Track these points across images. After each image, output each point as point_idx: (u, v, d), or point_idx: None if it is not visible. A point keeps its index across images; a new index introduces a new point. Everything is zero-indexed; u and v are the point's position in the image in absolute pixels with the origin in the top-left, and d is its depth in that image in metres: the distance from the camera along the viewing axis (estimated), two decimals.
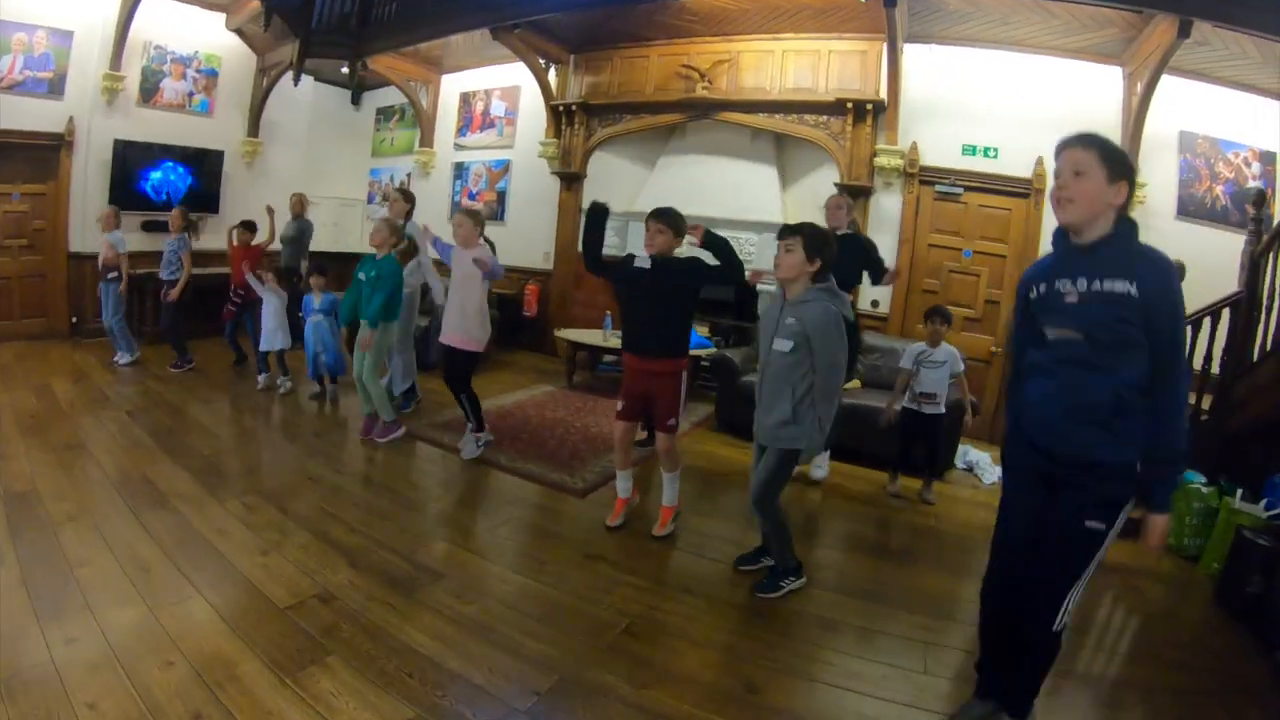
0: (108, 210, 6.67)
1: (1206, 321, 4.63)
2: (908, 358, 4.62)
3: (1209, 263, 5.18)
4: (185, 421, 5.24)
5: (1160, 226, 5.80)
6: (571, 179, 8.40)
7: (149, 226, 8.19)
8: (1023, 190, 6.46)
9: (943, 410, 4.70)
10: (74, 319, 7.78)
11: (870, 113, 6.79)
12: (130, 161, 8.05)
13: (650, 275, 3.59)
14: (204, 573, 3.01)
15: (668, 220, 3.56)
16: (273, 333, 6.16)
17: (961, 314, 6.52)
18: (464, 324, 4.67)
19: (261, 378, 6.30)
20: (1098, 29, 5.85)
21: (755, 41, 7.44)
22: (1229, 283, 4.68)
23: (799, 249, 2.95)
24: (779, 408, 3.04)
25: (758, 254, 7.56)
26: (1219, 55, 5.64)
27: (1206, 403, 4.51)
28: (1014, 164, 6.41)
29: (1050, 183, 2.36)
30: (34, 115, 7.37)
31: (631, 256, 3.75)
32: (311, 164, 9.79)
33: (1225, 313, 4.55)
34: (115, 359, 6.73)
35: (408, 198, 5.84)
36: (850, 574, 3.71)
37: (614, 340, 7.04)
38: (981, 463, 5.72)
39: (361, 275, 5.04)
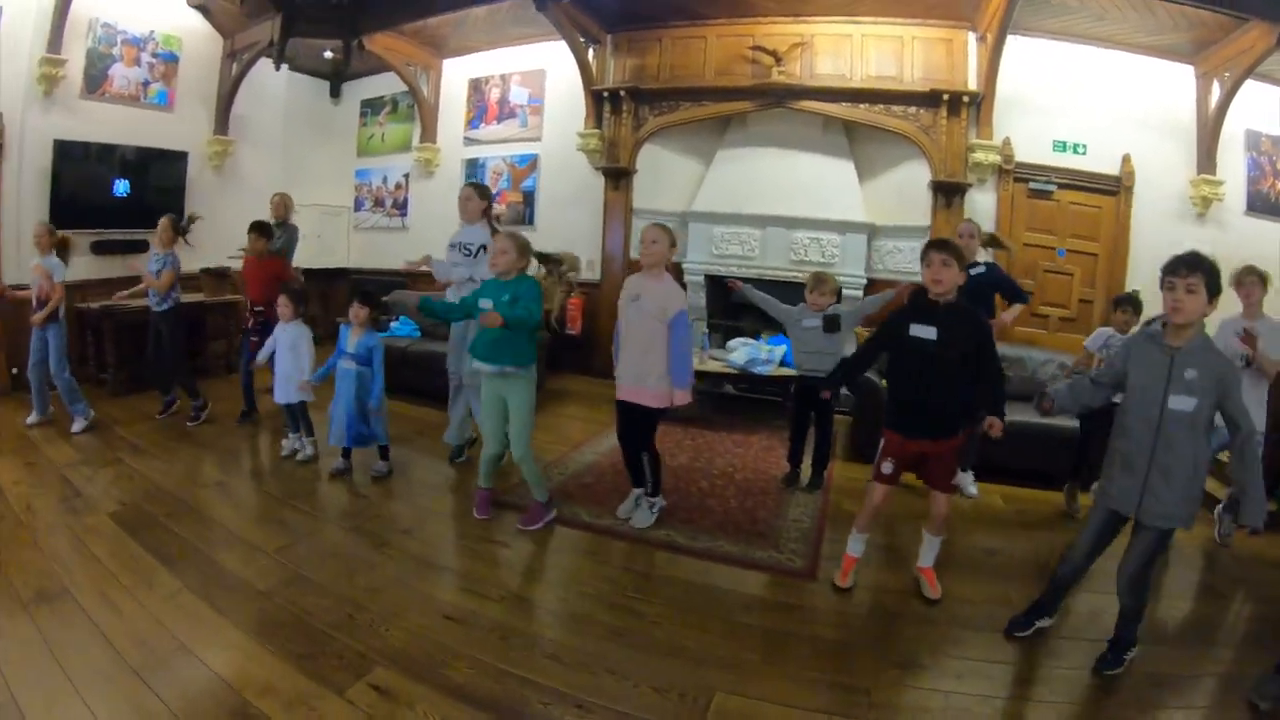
0: (41, 227, 4.85)
1: None
2: (1096, 340, 4.08)
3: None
4: (203, 524, 3.55)
5: (1232, 222, 5.78)
6: (619, 175, 6.87)
7: (100, 248, 6.27)
8: (1111, 187, 6.06)
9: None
10: (14, 370, 5.79)
11: (966, 105, 6.01)
12: (75, 167, 6.08)
13: (938, 346, 2.81)
14: None
15: (954, 252, 2.84)
16: (286, 381, 4.40)
17: (1056, 313, 6.26)
18: (647, 375, 3.44)
19: (288, 441, 4.60)
20: (1188, 29, 5.51)
21: (830, 24, 6.35)
22: None
23: (1202, 290, 2.27)
24: (1179, 481, 2.33)
25: (841, 255, 6.46)
26: None
27: None
28: (1101, 160, 6.02)
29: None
30: None
31: (903, 316, 2.95)
32: (289, 166, 7.90)
33: None
34: (29, 419, 4.91)
35: (483, 193, 4.37)
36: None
37: (712, 363, 5.64)
38: None
39: (486, 304, 3.46)
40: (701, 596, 3.07)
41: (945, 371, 2.80)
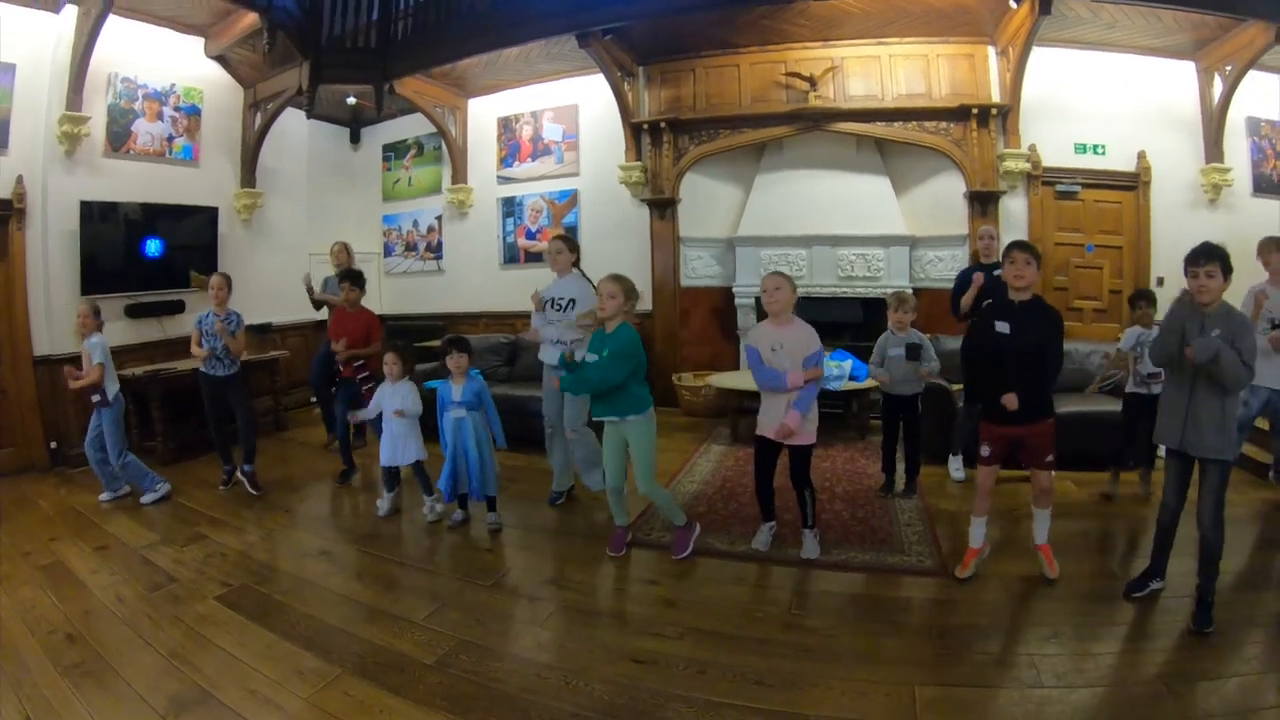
0: (83, 306, 4.37)
1: None
2: (1128, 340, 4.14)
3: None
4: (328, 599, 3.15)
5: (1242, 205, 5.98)
6: (664, 205, 6.61)
7: (135, 311, 5.78)
8: (1129, 183, 6.17)
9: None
10: (53, 444, 5.24)
11: (994, 116, 6.02)
12: (103, 228, 5.61)
13: (1014, 341, 3.02)
14: None
15: (1035, 253, 3.08)
16: (399, 441, 4.03)
17: (1089, 305, 6.35)
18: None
19: (384, 501, 4.20)
20: (1190, 29, 5.62)
21: (859, 46, 6.31)
22: None
23: (1219, 273, 2.70)
24: (1213, 418, 2.72)
25: (886, 268, 6.36)
26: None
27: None
28: (1119, 159, 6.14)
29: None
30: None
31: (988, 315, 3.15)
32: (314, 216, 7.47)
33: None
34: (102, 497, 4.50)
35: (572, 245, 4.19)
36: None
37: None
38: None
39: (589, 356, 3.35)
40: (860, 605, 3.07)
41: (1018, 363, 3.00)
